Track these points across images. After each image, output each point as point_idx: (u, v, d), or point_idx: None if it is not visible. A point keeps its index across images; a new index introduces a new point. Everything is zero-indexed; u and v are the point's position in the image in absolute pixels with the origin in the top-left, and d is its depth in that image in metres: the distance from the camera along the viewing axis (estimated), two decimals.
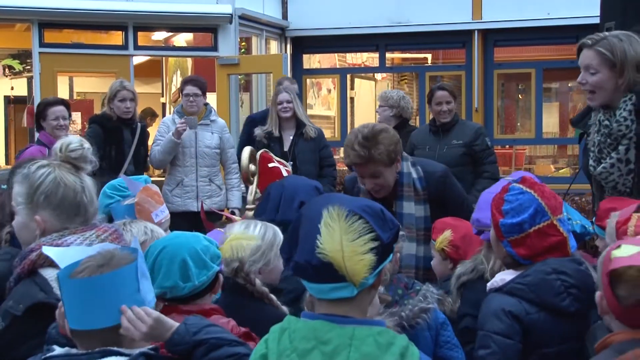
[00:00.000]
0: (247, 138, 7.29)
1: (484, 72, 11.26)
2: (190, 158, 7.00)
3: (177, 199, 7.03)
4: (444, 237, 3.67)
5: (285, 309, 2.96)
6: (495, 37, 11.27)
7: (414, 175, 4.16)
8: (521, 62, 12.55)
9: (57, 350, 2.13)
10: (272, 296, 2.97)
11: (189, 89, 7.06)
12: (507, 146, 13.04)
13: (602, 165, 3.80)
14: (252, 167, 5.09)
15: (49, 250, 2.39)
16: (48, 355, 2.12)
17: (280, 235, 3.15)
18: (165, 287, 2.65)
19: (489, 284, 2.90)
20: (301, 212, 2.04)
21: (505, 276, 2.83)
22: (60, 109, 6.44)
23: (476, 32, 11.12)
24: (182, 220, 6.39)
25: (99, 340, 2.12)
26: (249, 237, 2.99)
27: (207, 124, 7.10)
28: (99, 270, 2.13)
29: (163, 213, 3.80)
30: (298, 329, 1.95)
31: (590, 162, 3.89)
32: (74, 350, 2.12)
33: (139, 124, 7.00)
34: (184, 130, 6.86)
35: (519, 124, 15.33)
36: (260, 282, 2.96)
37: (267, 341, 2.00)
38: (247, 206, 4.92)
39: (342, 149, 11.81)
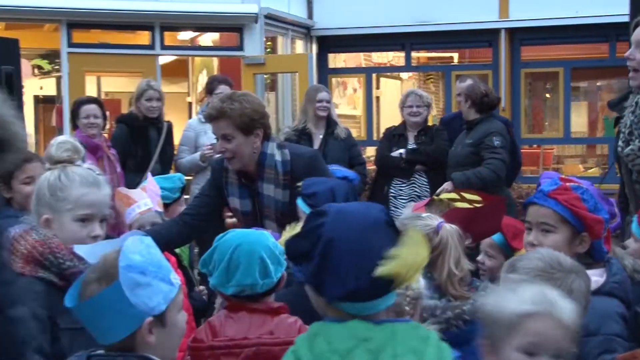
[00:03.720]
0: None
1: (511, 71, 11.18)
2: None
3: None
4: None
5: None
6: (523, 35, 11.19)
7: (278, 157, 4.03)
8: (549, 61, 12.44)
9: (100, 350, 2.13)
10: None
11: (222, 87, 7.01)
12: (535, 146, 12.93)
13: (630, 147, 3.74)
14: None
15: (79, 249, 2.39)
16: (93, 353, 2.11)
17: None
18: (244, 285, 2.65)
19: None
20: (328, 237, 1.86)
21: (594, 277, 2.71)
22: (91, 107, 6.48)
23: (503, 30, 11.06)
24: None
25: (119, 348, 2.08)
26: None
27: None
28: (90, 287, 2.08)
29: (129, 215, 3.98)
30: (334, 331, 1.88)
31: (620, 142, 3.82)
32: (112, 352, 2.09)
33: (165, 124, 7.02)
34: (211, 156, 6.71)
35: (546, 123, 15.19)
36: None
37: (297, 351, 1.90)
38: None
39: (368, 148, 11.89)
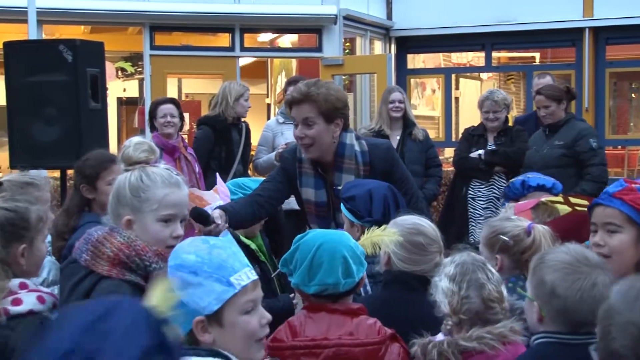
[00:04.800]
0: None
1: (594, 70, 10.93)
2: None
3: None
4: None
5: None
6: (607, 34, 10.92)
7: (357, 148, 3.94)
8: (634, 60, 12.12)
9: None
10: None
11: (291, 90, 7.09)
12: (619, 147, 12.61)
13: None
14: None
15: None
16: None
17: None
18: (327, 284, 2.65)
19: None
20: None
21: None
22: (168, 107, 6.59)
23: (587, 30, 10.83)
24: (288, 219, 6.43)
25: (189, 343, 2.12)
26: (389, 233, 2.93)
27: None
28: None
29: None
30: None
31: None
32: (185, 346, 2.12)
33: (243, 124, 7.10)
34: None
35: (632, 124, 14.82)
36: None
37: None
38: None
39: (447, 150, 11.79)
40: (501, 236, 2.99)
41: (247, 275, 2.15)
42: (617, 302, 1.50)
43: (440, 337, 2.55)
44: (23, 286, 2.54)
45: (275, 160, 6.79)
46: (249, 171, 7.15)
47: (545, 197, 3.73)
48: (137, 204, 2.62)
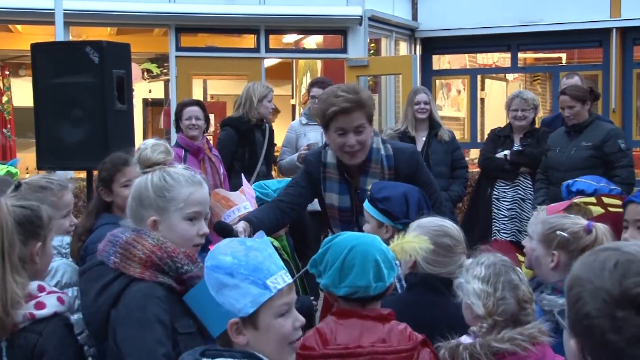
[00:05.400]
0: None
1: (622, 71, 10.83)
2: None
3: None
4: None
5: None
6: (635, 35, 10.83)
7: (383, 152, 3.89)
8: None
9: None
10: None
11: (315, 91, 7.10)
12: None
13: None
14: None
15: None
16: (210, 347, 2.14)
17: None
18: (358, 286, 2.62)
19: None
20: None
21: None
22: (193, 110, 6.61)
23: (614, 30, 10.73)
24: (312, 219, 6.44)
25: (224, 344, 2.14)
26: (420, 240, 2.87)
27: None
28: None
29: (229, 217, 3.85)
30: None
31: None
32: (220, 347, 2.14)
33: (267, 125, 7.12)
34: None
35: None
36: None
37: None
38: None
39: (472, 150, 11.74)
40: (560, 232, 2.96)
41: (282, 278, 2.15)
42: (585, 272, 1.64)
43: (465, 339, 2.52)
44: (41, 289, 2.53)
45: (298, 162, 6.81)
46: (273, 172, 7.15)
47: (578, 199, 3.69)
48: (162, 204, 2.61)
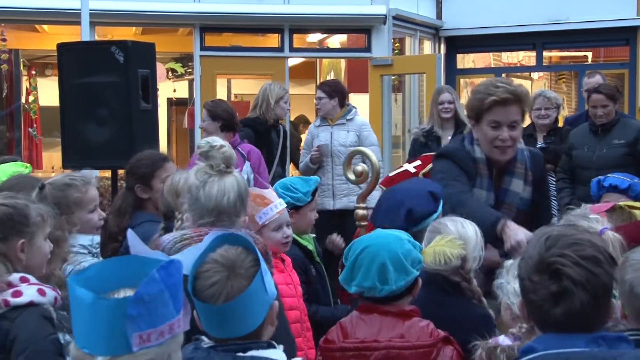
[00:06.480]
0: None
1: None
2: (326, 157, 7.12)
3: None
4: None
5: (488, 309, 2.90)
6: None
7: (526, 153, 3.82)
8: None
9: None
10: (483, 298, 2.92)
11: (319, 93, 7.35)
12: None
13: None
14: (359, 167, 4.84)
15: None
16: (224, 345, 2.14)
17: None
18: (363, 287, 2.66)
19: None
20: None
21: None
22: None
23: None
24: (320, 219, 6.43)
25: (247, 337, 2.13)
26: (453, 245, 2.86)
27: (342, 123, 7.22)
28: (229, 286, 2.08)
29: (267, 215, 3.70)
30: None
31: None
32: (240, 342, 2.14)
33: (281, 126, 7.19)
34: (318, 158, 7.10)
35: None
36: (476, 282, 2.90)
37: None
38: (356, 205, 4.76)
39: None
40: None
41: None
42: (529, 242, 2.10)
43: (504, 340, 2.50)
44: (24, 280, 2.63)
45: (310, 163, 6.93)
46: (287, 173, 7.29)
47: (623, 201, 3.62)
48: (248, 204, 2.80)
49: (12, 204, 2.69)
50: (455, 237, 2.91)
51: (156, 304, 1.63)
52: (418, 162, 4.47)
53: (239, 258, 2.12)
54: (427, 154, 4.64)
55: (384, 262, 2.64)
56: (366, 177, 4.69)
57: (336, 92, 7.27)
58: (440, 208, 3.44)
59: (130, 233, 2.02)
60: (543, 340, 1.92)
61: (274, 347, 2.13)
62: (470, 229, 3.01)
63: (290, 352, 2.31)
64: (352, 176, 4.79)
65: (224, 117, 6.28)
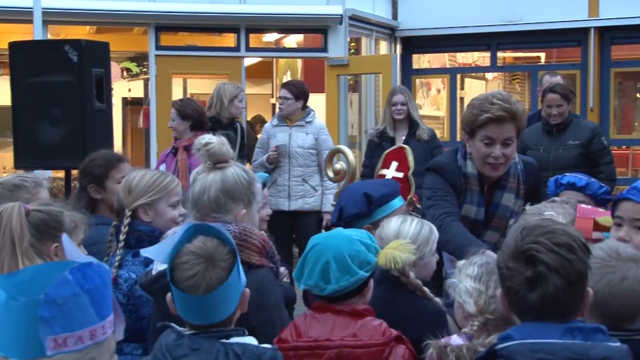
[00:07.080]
0: None
1: (599, 70, 10.92)
2: (284, 158, 7.11)
3: (270, 198, 7.10)
4: None
5: (438, 300, 2.92)
6: (613, 34, 10.91)
7: (520, 166, 3.79)
8: None
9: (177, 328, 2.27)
10: (425, 289, 2.93)
11: (280, 92, 7.33)
12: (624, 147, 12.57)
13: None
14: (338, 166, 4.93)
15: (145, 252, 2.52)
16: (210, 331, 2.24)
17: (436, 233, 3.12)
18: (308, 285, 2.68)
19: None
20: None
21: None
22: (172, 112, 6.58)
23: (592, 29, 10.81)
24: (275, 219, 6.43)
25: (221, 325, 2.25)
26: (404, 249, 2.86)
27: (302, 125, 7.21)
28: (208, 278, 2.19)
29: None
30: None
31: None
32: (214, 330, 2.26)
33: (238, 124, 7.17)
34: (275, 158, 7.07)
35: (636, 123, 14.77)
36: (414, 275, 2.92)
37: None
38: (333, 203, 4.85)
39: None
40: None
41: None
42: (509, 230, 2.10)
43: (456, 339, 2.52)
44: None
45: (267, 163, 6.93)
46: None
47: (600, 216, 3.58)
48: (250, 198, 2.84)
49: (47, 210, 2.77)
50: (408, 240, 2.94)
51: (70, 307, 1.56)
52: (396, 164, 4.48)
53: (216, 250, 2.23)
54: (389, 151, 4.68)
55: (328, 261, 2.63)
56: (344, 175, 4.81)
57: (302, 94, 7.27)
58: (376, 213, 3.44)
59: (64, 237, 2.04)
60: (520, 329, 1.97)
61: (246, 333, 2.27)
62: (413, 229, 3.05)
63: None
64: (331, 174, 4.88)
65: (194, 116, 6.26)
